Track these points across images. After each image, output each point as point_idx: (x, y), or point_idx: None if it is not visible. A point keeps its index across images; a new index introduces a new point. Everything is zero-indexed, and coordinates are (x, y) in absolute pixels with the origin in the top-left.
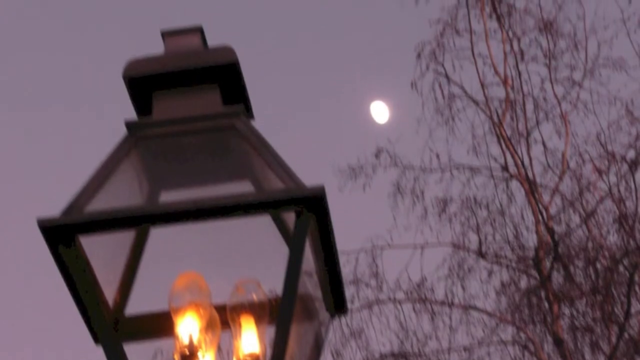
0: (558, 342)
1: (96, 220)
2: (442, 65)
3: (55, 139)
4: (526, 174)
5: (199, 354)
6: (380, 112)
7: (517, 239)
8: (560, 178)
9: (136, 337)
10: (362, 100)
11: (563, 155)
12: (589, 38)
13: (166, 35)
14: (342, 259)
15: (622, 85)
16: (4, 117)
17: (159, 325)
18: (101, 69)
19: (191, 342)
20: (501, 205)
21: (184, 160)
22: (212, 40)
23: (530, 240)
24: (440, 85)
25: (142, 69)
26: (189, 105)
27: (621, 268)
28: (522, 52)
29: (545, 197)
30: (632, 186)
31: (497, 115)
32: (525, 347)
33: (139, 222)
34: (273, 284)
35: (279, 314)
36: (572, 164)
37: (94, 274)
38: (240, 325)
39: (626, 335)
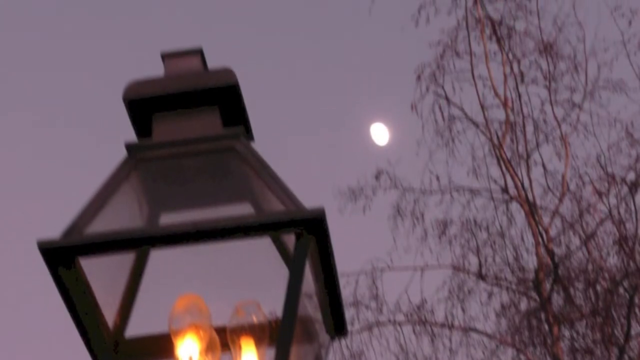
0: None
1: (96, 242)
2: (442, 87)
3: (55, 160)
4: (526, 196)
5: None
6: (380, 134)
7: (517, 261)
8: (560, 200)
9: (136, 359)
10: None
11: (563, 177)
12: (589, 60)
13: (166, 57)
14: (342, 281)
15: (622, 107)
16: (4, 138)
17: (159, 347)
18: (101, 90)
19: None
20: (501, 227)
21: (184, 182)
22: (212, 63)
23: (530, 262)
24: (440, 107)
25: (142, 90)
26: (189, 127)
27: (621, 290)
28: (522, 74)
29: (545, 219)
30: (632, 208)
31: (497, 137)
32: None
33: (139, 244)
34: (273, 305)
35: (279, 336)
36: (572, 186)
37: (94, 295)
38: (240, 347)
39: (626, 357)
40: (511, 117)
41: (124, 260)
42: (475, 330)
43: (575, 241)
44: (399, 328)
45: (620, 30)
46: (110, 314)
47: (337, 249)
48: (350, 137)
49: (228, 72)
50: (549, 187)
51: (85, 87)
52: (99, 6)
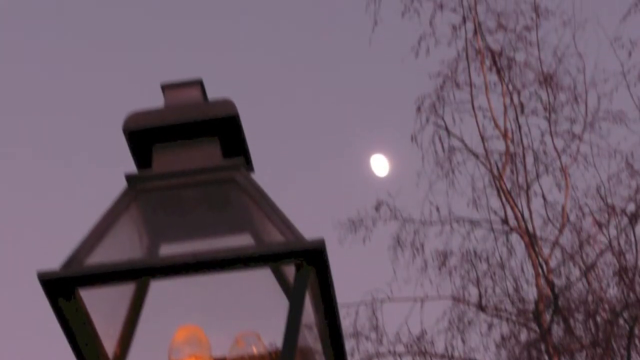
0: None
1: (96, 273)
2: (442, 119)
3: (55, 191)
4: (526, 227)
5: None
6: (380, 165)
7: (517, 292)
8: (560, 231)
9: None
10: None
11: (563, 208)
12: (589, 91)
13: (166, 88)
14: (342, 312)
15: (622, 138)
16: (5, 169)
17: None
18: (102, 121)
19: None
20: (501, 258)
21: (184, 213)
22: (212, 94)
23: (530, 293)
24: (440, 139)
25: (142, 121)
26: (189, 158)
27: (621, 321)
28: (522, 105)
29: (545, 250)
30: (632, 239)
31: (497, 168)
32: None
33: (139, 275)
34: (273, 336)
35: None
36: (572, 217)
37: (94, 326)
38: None
39: None
40: (511, 148)
41: (124, 291)
42: None
43: (575, 272)
44: (399, 359)
45: (620, 61)
46: (110, 345)
47: (337, 280)
48: (350, 168)
49: (228, 103)
50: (549, 218)
51: (86, 117)
52: (99, 38)
